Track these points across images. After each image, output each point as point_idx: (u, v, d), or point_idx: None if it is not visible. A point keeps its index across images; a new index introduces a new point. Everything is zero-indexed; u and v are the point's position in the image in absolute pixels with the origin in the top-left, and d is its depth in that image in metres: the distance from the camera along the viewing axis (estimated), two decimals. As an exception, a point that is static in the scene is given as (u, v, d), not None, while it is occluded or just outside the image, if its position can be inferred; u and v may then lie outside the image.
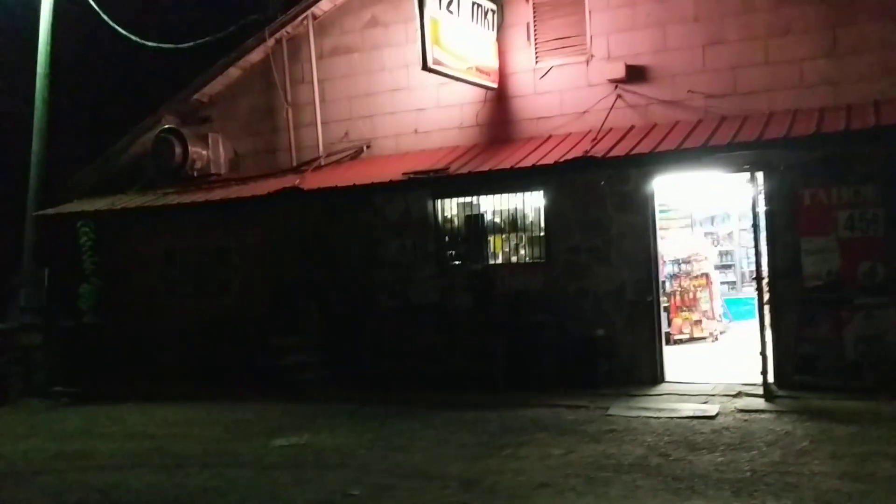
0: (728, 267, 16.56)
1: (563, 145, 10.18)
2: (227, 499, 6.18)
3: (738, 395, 9.24)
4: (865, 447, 6.51)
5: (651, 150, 9.10)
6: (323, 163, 12.19)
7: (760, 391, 9.20)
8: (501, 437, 7.55)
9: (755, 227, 8.97)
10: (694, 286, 13.95)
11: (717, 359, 11.56)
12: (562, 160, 9.44)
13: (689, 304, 13.90)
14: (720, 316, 14.38)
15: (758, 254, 9.28)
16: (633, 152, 9.20)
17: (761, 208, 9.48)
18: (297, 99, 12.55)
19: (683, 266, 14.09)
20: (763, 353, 8.90)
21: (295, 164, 12.45)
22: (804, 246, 9.38)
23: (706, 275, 14.11)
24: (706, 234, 15.97)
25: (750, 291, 16.45)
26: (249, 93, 13.01)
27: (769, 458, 6.34)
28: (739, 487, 5.63)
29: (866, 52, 9.30)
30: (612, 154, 9.29)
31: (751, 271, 17.01)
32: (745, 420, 7.91)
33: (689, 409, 8.66)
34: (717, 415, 8.20)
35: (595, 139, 9.78)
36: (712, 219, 16.09)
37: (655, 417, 8.27)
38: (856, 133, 8.26)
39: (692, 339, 13.63)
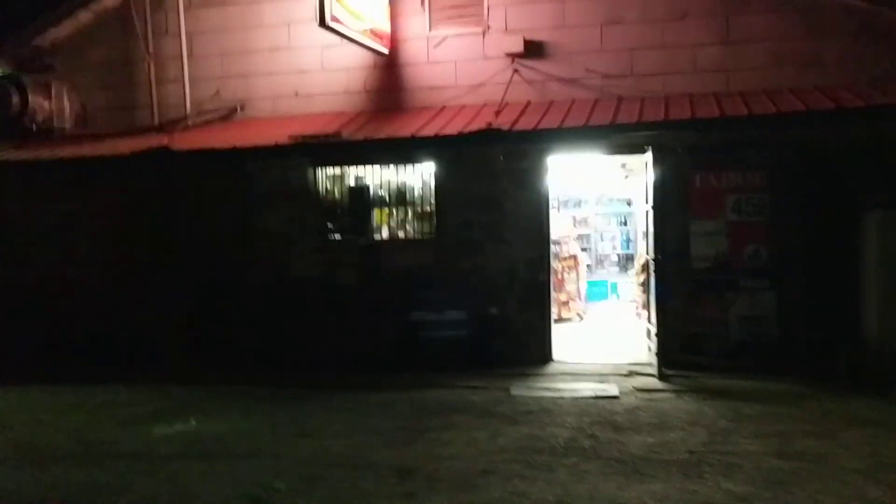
0: (584, 250, 16.94)
1: (460, 117, 9.83)
2: (126, 497, 5.32)
3: (630, 374, 9.31)
4: (782, 426, 6.65)
5: (560, 126, 8.92)
6: (191, 123, 11.14)
7: (650, 371, 9.34)
8: (418, 421, 7.10)
9: (654, 208, 8.98)
10: (563, 267, 14.06)
11: (591, 339, 11.62)
12: (466, 131, 9.08)
13: (558, 285, 14.01)
14: (584, 297, 14.64)
15: (655, 235, 9.31)
16: (540, 127, 8.98)
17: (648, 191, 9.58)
18: (161, 52, 11.40)
19: (553, 247, 14.15)
20: (658, 334, 8.96)
21: (157, 122, 11.29)
22: (693, 228, 9.57)
23: (574, 256, 14.28)
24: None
25: (604, 274, 17.11)
26: (103, 41, 11.68)
27: (697, 438, 6.32)
28: (685, 469, 5.53)
29: (757, 41, 9.62)
30: (517, 128, 9.01)
31: (604, 254, 17.73)
32: (650, 400, 7.92)
33: (588, 389, 8.59)
34: (619, 395, 8.15)
35: (498, 112, 9.49)
36: (578, 202, 16.36)
37: (560, 398, 8.12)
38: (759, 118, 8.48)
39: (560, 320, 13.74)
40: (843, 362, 8.37)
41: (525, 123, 9.21)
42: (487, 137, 8.96)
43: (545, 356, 10.05)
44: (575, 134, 8.93)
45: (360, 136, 9.58)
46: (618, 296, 16.75)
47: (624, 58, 9.97)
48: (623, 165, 14.21)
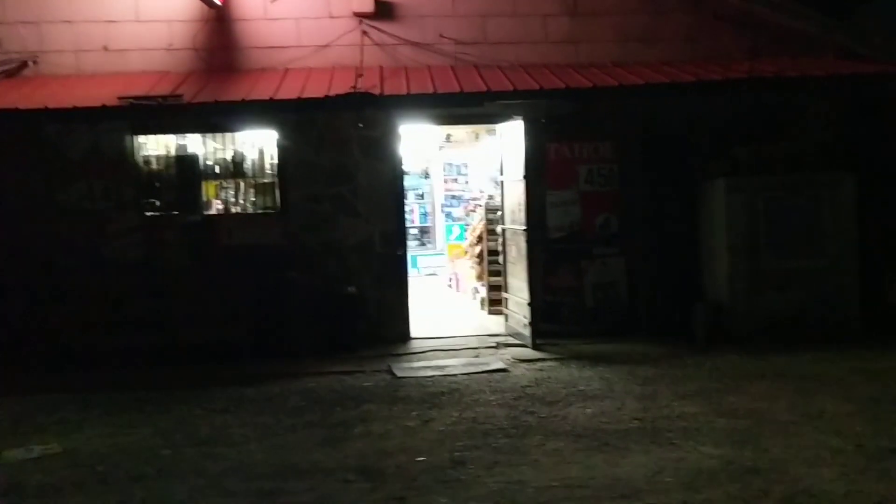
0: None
1: (313, 81, 9.01)
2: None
3: (498, 346, 9.23)
4: (691, 385, 6.86)
5: (435, 91, 8.47)
6: (-34, 78, 9.13)
7: (513, 341, 9.34)
8: (327, 415, 6.40)
9: (526, 178, 8.87)
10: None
11: (424, 314, 11.22)
12: (334, 94, 8.31)
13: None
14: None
15: (528, 206, 9.17)
16: (413, 92, 8.48)
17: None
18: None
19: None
20: (532, 304, 8.92)
21: (-84, 76, 9.13)
22: (549, 199, 9.67)
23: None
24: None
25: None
26: None
27: (629, 405, 6.30)
28: (651, 437, 5.46)
29: (603, 15, 9.83)
30: (387, 92, 8.43)
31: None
32: (540, 370, 7.86)
33: (472, 364, 8.35)
34: (508, 368, 7.99)
35: (359, 75, 8.78)
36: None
37: (451, 375, 7.80)
38: (627, 88, 8.63)
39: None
40: (699, 323, 8.87)
41: (391, 88, 8.63)
42: (356, 101, 8.29)
43: (405, 334, 9.65)
44: (449, 100, 8.52)
45: (203, 98, 8.39)
46: (419, 269, 16.70)
47: (477, 24, 9.72)
48: (448, 137, 14.08)
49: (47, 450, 5.75)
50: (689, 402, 6.33)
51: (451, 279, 14.61)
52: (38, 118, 8.41)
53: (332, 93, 8.33)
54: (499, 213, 11.53)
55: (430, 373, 8.02)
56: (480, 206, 12.43)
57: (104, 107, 8.11)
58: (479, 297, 12.12)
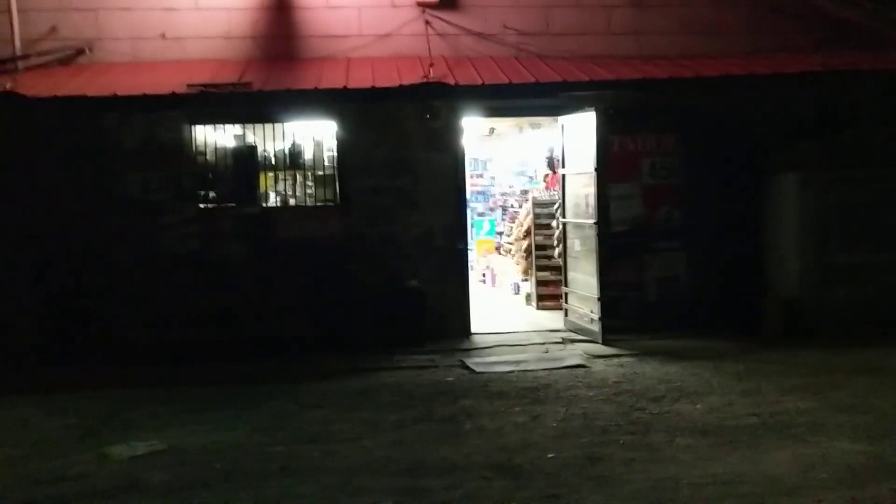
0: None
1: (378, 70, 8.86)
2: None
3: (564, 342, 9.10)
4: (789, 380, 6.76)
5: (510, 82, 8.33)
6: (21, 66, 8.87)
7: (577, 336, 9.21)
8: (428, 410, 6.25)
9: (597, 171, 8.73)
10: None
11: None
12: (408, 84, 8.16)
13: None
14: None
15: (599, 199, 9.01)
16: (489, 82, 8.33)
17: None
18: (-27, -28, 8.94)
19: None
20: (601, 299, 8.79)
21: (-29, 63, 8.87)
22: (612, 192, 9.48)
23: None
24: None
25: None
26: None
27: (741, 402, 6.15)
28: (778, 433, 5.36)
29: (667, 6, 9.73)
30: (467, 82, 8.27)
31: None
32: (621, 366, 7.74)
33: (546, 359, 8.23)
34: (585, 364, 7.86)
35: (430, 65, 8.61)
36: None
37: (532, 371, 7.67)
38: (705, 80, 8.57)
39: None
40: (770, 317, 8.78)
41: (460, 78, 8.47)
42: (431, 91, 8.12)
43: (465, 329, 9.49)
44: (524, 90, 8.38)
45: (273, 86, 8.19)
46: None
47: (540, 15, 9.59)
48: (491, 130, 13.94)
49: (151, 447, 5.54)
50: (796, 397, 6.22)
51: (484, 274, 14.46)
52: (101, 105, 8.18)
53: (402, 83, 8.15)
54: (550, 207, 11.49)
55: (506, 368, 7.88)
56: (526, 200, 12.27)
57: (174, 94, 7.91)
58: (522, 292, 11.97)
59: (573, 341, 9.08)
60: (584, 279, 9.23)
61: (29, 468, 5.24)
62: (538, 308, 11.25)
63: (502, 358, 8.36)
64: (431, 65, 8.50)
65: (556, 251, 10.86)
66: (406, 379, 7.41)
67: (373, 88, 8.12)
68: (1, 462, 5.37)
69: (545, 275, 11.40)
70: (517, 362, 8.13)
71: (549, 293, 11.31)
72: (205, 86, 8.02)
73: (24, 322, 8.33)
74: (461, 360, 8.23)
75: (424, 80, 8.20)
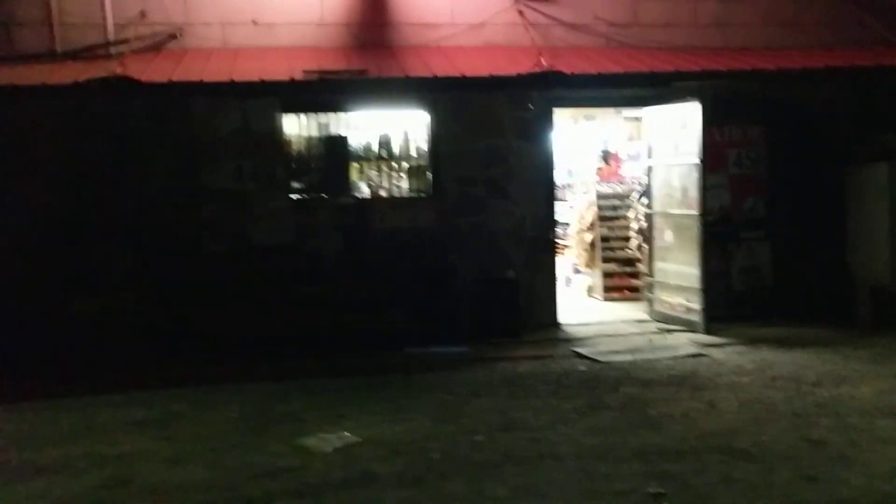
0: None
1: (478, 58, 8.80)
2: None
3: (660, 331, 9.14)
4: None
5: (626, 71, 8.34)
6: (113, 52, 8.58)
7: (669, 326, 9.26)
8: (597, 399, 6.25)
9: (702, 161, 8.79)
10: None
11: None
12: (525, 73, 8.11)
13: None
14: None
15: (700, 190, 9.03)
16: (603, 71, 8.32)
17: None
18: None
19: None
20: (703, 290, 8.85)
21: (60, 49, 8.54)
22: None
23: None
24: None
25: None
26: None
27: (889, 392, 6.24)
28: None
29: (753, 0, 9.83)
30: (580, 71, 8.26)
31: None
32: (740, 353, 7.83)
33: (661, 349, 8.27)
34: (703, 353, 7.92)
35: (539, 54, 8.55)
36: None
37: (657, 359, 7.70)
38: (810, 71, 8.75)
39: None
40: (864, 305, 8.97)
41: (565, 67, 8.45)
42: (546, 80, 8.08)
43: (554, 320, 9.48)
44: (636, 79, 8.40)
45: (386, 73, 8.07)
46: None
47: (628, 6, 9.63)
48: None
49: (344, 439, 5.42)
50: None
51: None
52: (215, 90, 7.96)
53: (504, 72, 8.10)
54: (613, 199, 11.57)
55: (625, 357, 7.90)
56: (585, 193, 12.30)
57: (292, 80, 7.76)
58: (575, 284, 11.95)
59: (670, 331, 9.12)
60: (677, 269, 9.29)
61: (228, 463, 5.06)
62: (605, 300, 11.28)
63: (611, 347, 8.37)
64: (540, 54, 8.43)
65: (634, 242, 10.92)
66: (535, 368, 7.38)
67: (491, 77, 8.07)
68: (195, 456, 5.18)
69: (610, 266, 11.45)
70: (631, 351, 8.17)
71: (615, 285, 11.37)
72: (322, 72, 7.84)
73: (128, 316, 8.04)
74: (573, 350, 8.22)
75: (538, 68, 8.14)
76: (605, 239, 11.55)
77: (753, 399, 6.06)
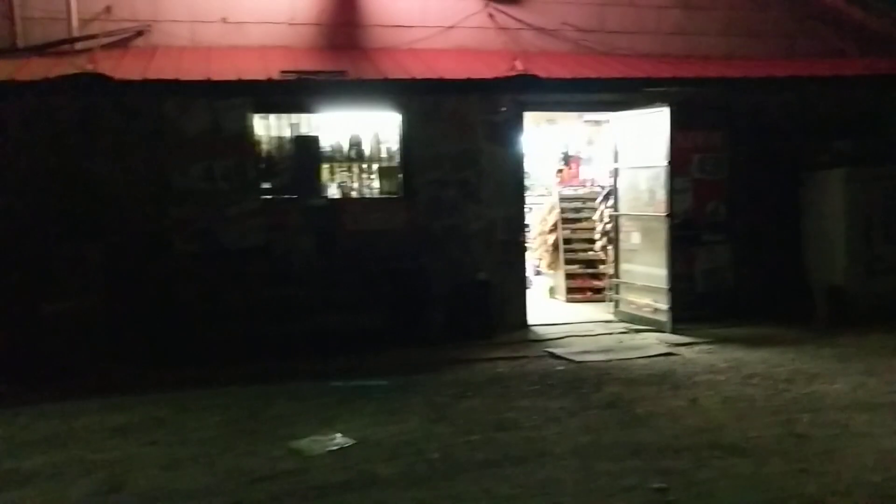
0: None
1: (447, 62, 8.81)
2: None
3: (628, 331, 9.35)
4: (887, 361, 7.20)
5: (597, 77, 8.52)
6: (79, 48, 8.37)
7: (636, 326, 9.46)
8: (582, 398, 6.37)
9: (670, 164, 9.01)
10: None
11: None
12: (503, 76, 8.17)
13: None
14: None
15: (668, 193, 9.21)
16: (578, 76, 8.46)
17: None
18: (19, -55, 8.35)
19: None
20: (671, 290, 9.07)
21: (22, 44, 8.29)
22: (666, 186, 9.81)
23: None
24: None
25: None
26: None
27: (871, 382, 6.46)
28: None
29: (712, 8, 10.12)
30: (554, 75, 8.37)
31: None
32: (711, 352, 8.05)
33: (633, 349, 8.43)
34: (673, 352, 8.12)
35: (514, 57, 8.62)
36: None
37: (630, 359, 7.87)
38: (777, 80, 9.05)
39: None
40: (821, 305, 9.31)
41: (541, 71, 8.55)
42: (520, 84, 8.17)
43: (524, 320, 9.61)
44: (608, 85, 8.58)
45: (363, 75, 8.05)
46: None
47: (596, 13, 9.79)
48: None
49: (337, 441, 5.40)
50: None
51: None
52: (193, 90, 7.78)
53: (475, 76, 8.17)
54: (575, 202, 11.76)
55: (600, 357, 8.05)
56: (545, 195, 12.45)
57: (270, 80, 7.65)
58: (535, 286, 12.05)
59: (637, 331, 9.32)
60: (644, 270, 9.50)
61: (224, 466, 5.00)
62: (567, 301, 11.43)
63: (584, 348, 8.51)
64: (515, 58, 8.52)
65: (598, 244, 11.10)
66: (514, 369, 7.47)
67: (469, 79, 8.10)
68: (188, 461, 5.09)
69: (573, 268, 11.62)
70: (604, 351, 8.33)
71: (577, 286, 11.55)
72: (301, 73, 7.78)
73: (98, 319, 7.83)
74: (547, 351, 8.34)
75: (514, 72, 8.22)
76: (567, 241, 11.71)
77: (733, 396, 6.25)
